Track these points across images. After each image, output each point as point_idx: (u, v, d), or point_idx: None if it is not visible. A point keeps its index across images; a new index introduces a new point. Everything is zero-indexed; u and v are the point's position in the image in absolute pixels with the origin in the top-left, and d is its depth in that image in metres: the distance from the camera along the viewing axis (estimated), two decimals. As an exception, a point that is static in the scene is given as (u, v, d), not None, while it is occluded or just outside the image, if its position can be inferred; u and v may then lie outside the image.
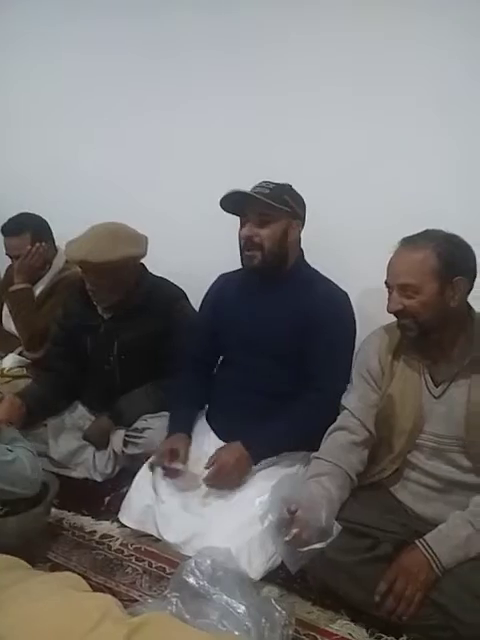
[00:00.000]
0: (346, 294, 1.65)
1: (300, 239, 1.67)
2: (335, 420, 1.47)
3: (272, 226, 1.57)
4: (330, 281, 1.66)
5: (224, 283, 1.80)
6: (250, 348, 1.63)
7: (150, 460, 1.62)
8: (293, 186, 1.65)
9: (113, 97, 2.37)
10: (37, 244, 2.14)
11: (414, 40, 1.77)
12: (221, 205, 1.60)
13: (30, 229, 2.16)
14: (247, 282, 1.69)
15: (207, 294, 1.84)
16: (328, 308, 1.59)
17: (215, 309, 1.77)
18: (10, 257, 2.21)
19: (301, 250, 1.68)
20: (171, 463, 1.55)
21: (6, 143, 2.70)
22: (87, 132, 2.46)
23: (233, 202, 1.58)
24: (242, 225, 1.62)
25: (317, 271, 1.69)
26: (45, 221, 2.23)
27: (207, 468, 1.52)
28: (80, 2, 2.37)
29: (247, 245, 1.59)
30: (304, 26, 1.93)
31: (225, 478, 1.50)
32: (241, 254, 1.63)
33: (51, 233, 2.24)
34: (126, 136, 2.36)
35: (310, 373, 1.58)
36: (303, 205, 1.64)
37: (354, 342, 1.62)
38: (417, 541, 1.27)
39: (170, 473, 1.56)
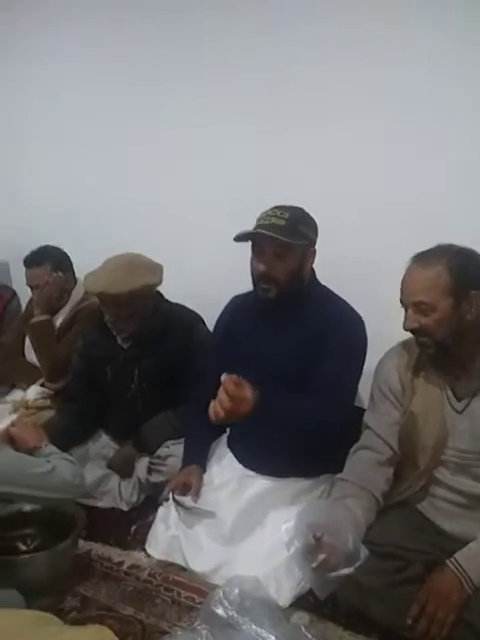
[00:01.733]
0: (359, 315, 1.61)
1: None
2: (341, 425, 1.45)
3: (288, 259, 1.52)
4: (343, 301, 1.64)
5: (237, 305, 1.79)
6: (265, 372, 1.60)
7: (162, 495, 1.61)
8: (306, 207, 1.61)
9: (125, 127, 2.42)
10: (54, 274, 2.19)
11: (416, 59, 1.79)
12: (234, 239, 1.54)
13: (50, 260, 2.21)
14: (260, 307, 1.65)
15: (220, 316, 1.83)
16: (339, 326, 1.56)
17: (228, 332, 1.76)
18: (31, 288, 2.26)
19: (313, 269, 1.67)
20: (183, 496, 1.54)
21: (23, 175, 2.77)
22: (102, 162, 2.51)
23: (247, 236, 1.54)
24: (255, 255, 1.57)
25: (330, 290, 1.67)
26: (65, 253, 2.29)
27: None
28: (86, 33, 2.44)
29: (262, 278, 1.55)
30: (309, 44, 1.96)
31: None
32: (254, 285, 1.60)
33: (71, 264, 2.29)
34: (140, 165, 2.41)
35: (316, 385, 1.53)
36: (316, 228, 1.60)
37: (363, 361, 1.59)
38: (447, 561, 1.25)
39: (182, 506, 1.55)
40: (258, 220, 1.56)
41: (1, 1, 2.63)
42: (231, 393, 1.32)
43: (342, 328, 1.56)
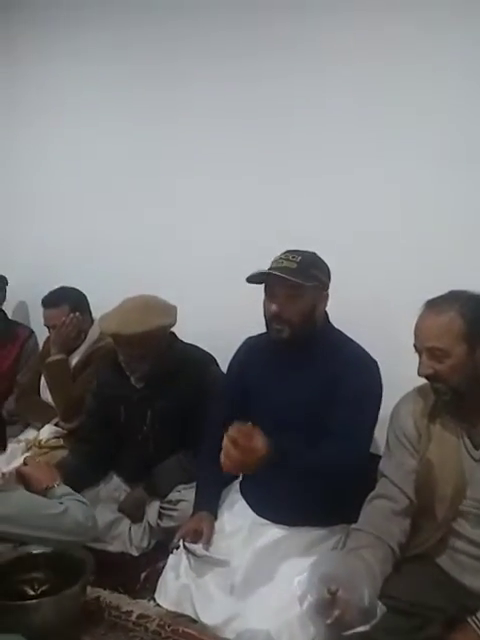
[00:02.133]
0: (373, 359, 1.61)
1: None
2: (358, 471, 1.43)
3: (300, 302, 1.54)
4: (357, 345, 1.64)
5: (251, 347, 1.78)
6: (279, 418, 1.59)
7: (173, 542, 1.58)
8: (317, 248, 1.64)
9: (142, 172, 2.49)
10: (71, 314, 2.22)
11: (420, 100, 1.84)
12: (247, 280, 1.57)
13: (68, 301, 2.25)
14: (273, 349, 1.66)
15: (234, 357, 1.82)
16: (354, 370, 1.55)
17: (241, 373, 1.75)
18: (48, 328, 2.29)
19: (326, 313, 1.67)
20: (194, 543, 1.51)
21: (43, 217, 2.83)
22: (119, 206, 2.57)
23: (260, 278, 1.56)
24: (268, 297, 1.59)
25: (343, 333, 1.67)
26: (83, 294, 2.33)
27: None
28: (105, 82, 2.55)
29: (275, 319, 1.56)
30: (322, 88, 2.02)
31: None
32: (267, 326, 1.61)
33: (88, 305, 2.33)
34: (156, 209, 2.46)
35: (332, 431, 1.51)
36: (328, 272, 1.62)
37: (379, 406, 1.58)
38: (469, 619, 1.20)
39: (193, 554, 1.51)
40: (271, 263, 1.59)
41: (34, 54, 2.77)
42: (241, 443, 1.29)
43: (357, 372, 1.55)
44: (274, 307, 1.55)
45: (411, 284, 1.81)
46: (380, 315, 1.89)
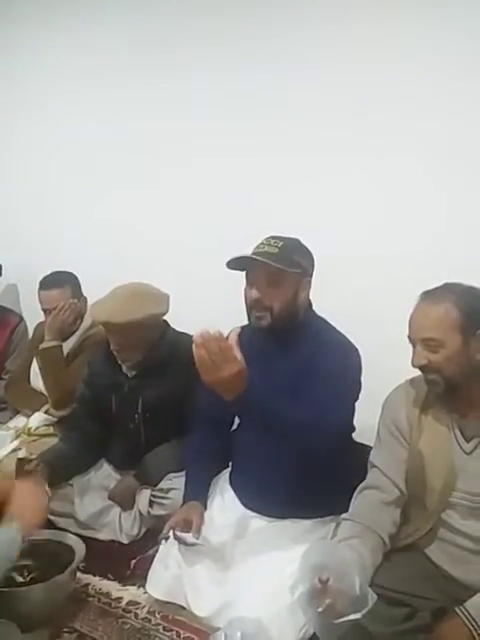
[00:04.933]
0: (354, 347, 1.57)
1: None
2: (329, 447, 1.40)
3: (281, 288, 1.50)
4: (339, 332, 1.60)
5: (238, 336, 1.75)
6: (264, 408, 1.59)
7: (162, 533, 1.56)
8: (309, 238, 1.61)
9: (135, 156, 2.47)
10: (71, 300, 2.19)
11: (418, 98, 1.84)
12: (227, 265, 1.53)
13: (70, 284, 2.23)
14: (256, 339, 1.59)
15: None
16: (331, 352, 1.51)
17: None
18: (45, 311, 2.23)
19: (310, 301, 1.63)
20: (185, 533, 1.50)
21: (35, 200, 2.81)
22: (109, 192, 2.56)
23: (240, 263, 1.52)
24: (248, 283, 1.54)
25: (326, 321, 1.63)
26: (77, 278, 2.29)
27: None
28: (106, 79, 2.52)
29: (255, 306, 1.52)
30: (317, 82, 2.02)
31: None
32: (248, 314, 1.55)
33: (81, 289, 2.30)
34: (149, 195, 2.45)
35: (305, 409, 1.42)
36: (311, 259, 1.58)
37: (356, 391, 1.54)
38: (457, 609, 1.20)
39: (184, 543, 1.51)
40: (254, 249, 1.54)
41: (34, 43, 2.73)
42: (211, 348, 1.20)
43: (334, 355, 1.50)
44: (254, 293, 1.50)
45: (399, 280, 1.83)
46: (366, 307, 1.90)
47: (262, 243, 1.53)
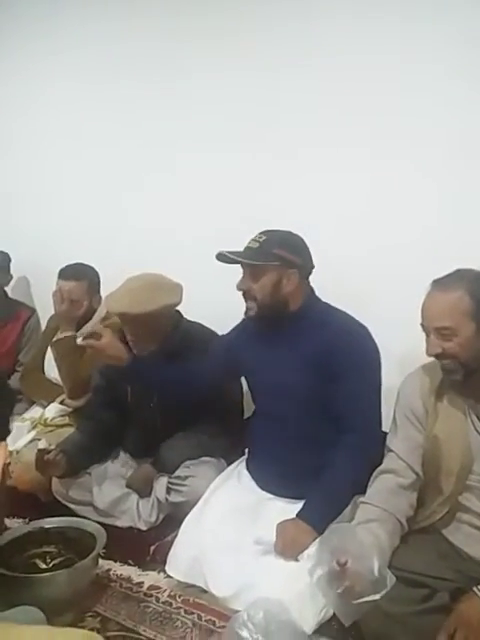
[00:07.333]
0: (363, 325, 1.61)
1: (308, 282, 1.65)
2: (379, 455, 1.45)
3: (262, 280, 1.58)
4: (346, 314, 1.63)
5: (244, 327, 1.79)
6: (272, 394, 1.63)
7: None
8: (307, 228, 1.64)
9: (146, 151, 2.47)
10: (89, 297, 2.21)
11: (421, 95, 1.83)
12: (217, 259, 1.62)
13: (88, 278, 2.24)
14: (257, 329, 1.69)
15: (229, 332, 1.84)
16: (345, 342, 1.55)
17: (229, 352, 1.78)
18: (60, 299, 2.21)
19: (312, 289, 1.66)
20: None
21: (44, 193, 2.82)
22: (123, 188, 2.56)
23: (223, 259, 1.60)
24: (241, 277, 1.64)
25: (329, 305, 1.66)
26: (98, 273, 2.30)
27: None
28: (113, 64, 2.51)
29: (244, 296, 1.63)
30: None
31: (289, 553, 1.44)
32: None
33: (100, 285, 2.31)
34: (161, 187, 2.45)
35: (337, 413, 1.54)
36: (301, 251, 1.61)
37: (379, 374, 1.59)
38: (475, 589, 1.22)
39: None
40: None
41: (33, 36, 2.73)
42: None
43: (348, 344, 1.55)
44: (239, 283, 1.62)
45: (399, 267, 1.85)
46: (369, 293, 1.89)
47: (251, 239, 1.62)
